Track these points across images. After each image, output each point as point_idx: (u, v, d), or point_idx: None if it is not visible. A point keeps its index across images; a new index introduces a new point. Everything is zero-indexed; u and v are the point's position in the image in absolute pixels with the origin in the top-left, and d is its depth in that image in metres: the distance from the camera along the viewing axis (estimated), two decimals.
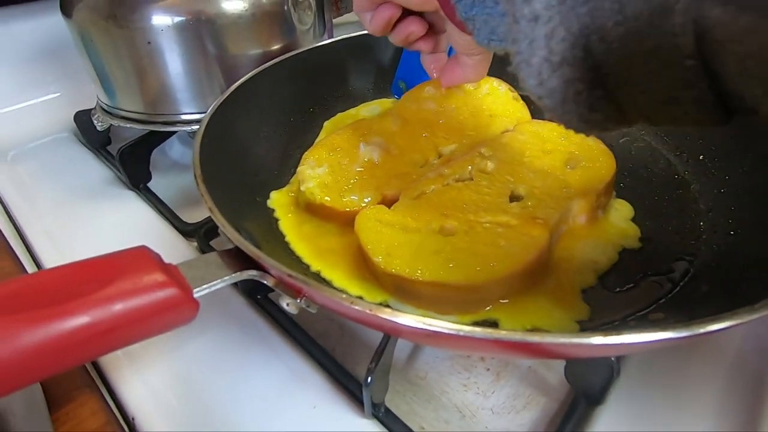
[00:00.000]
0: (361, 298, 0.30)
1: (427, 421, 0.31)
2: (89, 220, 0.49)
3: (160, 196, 0.51)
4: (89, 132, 0.59)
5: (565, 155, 0.37)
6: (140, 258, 0.20)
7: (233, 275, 0.24)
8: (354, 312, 0.21)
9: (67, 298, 0.17)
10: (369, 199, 0.35)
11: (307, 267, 0.32)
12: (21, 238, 0.48)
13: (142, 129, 0.51)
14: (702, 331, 0.19)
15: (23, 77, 0.70)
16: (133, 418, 0.29)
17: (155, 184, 0.53)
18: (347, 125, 0.42)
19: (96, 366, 0.33)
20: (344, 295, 0.21)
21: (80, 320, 0.17)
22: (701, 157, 0.39)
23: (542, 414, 0.30)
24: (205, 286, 0.22)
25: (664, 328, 0.19)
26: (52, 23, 0.69)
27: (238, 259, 0.25)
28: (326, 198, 0.35)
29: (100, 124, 0.55)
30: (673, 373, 0.31)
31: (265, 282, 0.25)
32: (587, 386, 0.29)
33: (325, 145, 0.40)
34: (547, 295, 0.30)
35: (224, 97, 0.40)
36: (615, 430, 0.29)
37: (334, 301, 0.21)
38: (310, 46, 0.51)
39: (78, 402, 0.28)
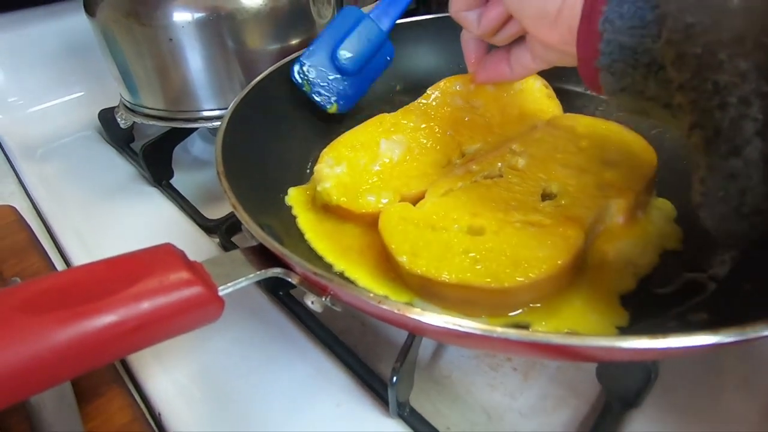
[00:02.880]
0: (386, 297, 0.30)
1: (452, 422, 0.30)
2: (114, 217, 0.49)
3: (183, 193, 0.52)
4: (113, 130, 0.60)
5: (602, 151, 0.36)
6: (166, 256, 0.20)
7: (258, 273, 0.24)
8: (381, 311, 0.20)
9: (94, 297, 0.17)
10: (387, 200, 0.35)
11: (330, 266, 0.32)
12: (50, 234, 0.49)
13: (164, 126, 0.52)
14: (755, 335, 0.17)
15: (49, 77, 0.72)
16: (159, 414, 0.29)
17: (177, 181, 0.54)
18: (369, 120, 0.41)
19: (123, 362, 0.34)
20: (371, 294, 0.20)
21: (108, 319, 0.17)
22: None
23: (573, 416, 0.29)
24: (230, 284, 0.22)
25: (712, 332, 0.17)
26: (76, 23, 0.70)
27: (263, 256, 0.25)
28: (342, 199, 0.34)
29: (123, 121, 0.55)
30: (715, 375, 0.30)
31: (289, 280, 0.25)
32: (621, 389, 0.28)
33: (345, 142, 0.39)
34: (583, 300, 0.29)
35: (245, 93, 0.40)
36: None
37: (360, 300, 0.20)
38: None
39: (106, 397, 0.28)
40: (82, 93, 0.73)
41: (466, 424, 0.30)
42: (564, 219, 0.31)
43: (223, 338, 0.35)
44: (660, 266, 0.31)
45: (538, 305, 0.29)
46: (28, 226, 0.47)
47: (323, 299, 0.23)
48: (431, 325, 0.19)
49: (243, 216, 0.26)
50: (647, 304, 0.29)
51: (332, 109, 0.45)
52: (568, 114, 0.40)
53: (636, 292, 0.30)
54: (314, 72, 0.44)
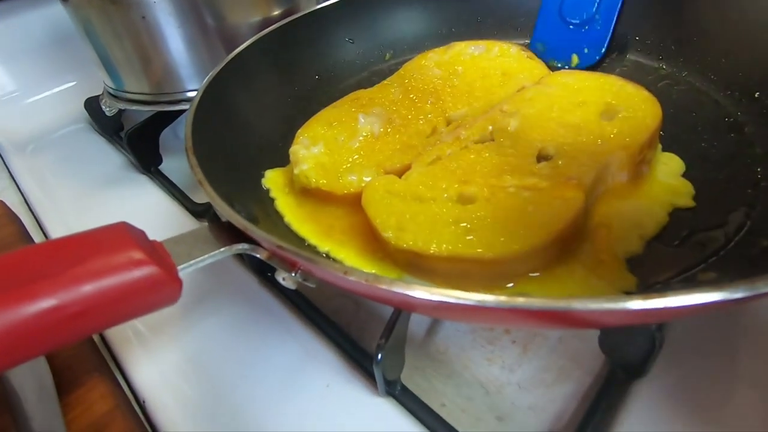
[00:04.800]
0: (354, 269, 0.28)
1: (448, 398, 0.29)
2: (104, 208, 0.49)
3: (173, 178, 0.51)
4: (101, 119, 0.59)
5: (600, 106, 0.33)
6: (116, 235, 0.19)
7: (222, 250, 0.22)
8: (350, 284, 0.18)
9: (31, 280, 0.16)
10: (369, 178, 0.32)
11: (315, 248, 0.30)
12: (42, 230, 0.48)
13: (148, 110, 0.50)
14: (762, 291, 0.15)
15: (40, 69, 0.71)
16: (144, 401, 0.29)
17: (168, 167, 0.53)
18: (344, 98, 0.39)
19: (108, 348, 0.33)
20: (337, 265, 0.19)
21: (46, 303, 0.15)
22: (756, 94, 0.34)
23: (575, 388, 0.28)
24: (191, 262, 0.21)
25: (715, 289, 0.15)
26: (60, 11, 0.68)
27: (230, 232, 0.23)
28: (322, 181, 0.32)
29: (108, 109, 0.54)
30: (725, 340, 0.28)
31: (258, 256, 0.23)
32: (625, 357, 0.26)
33: (320, 120, 0.37)
34: (585, 266, 0.26)
35: (221, 67, 0.38)
36: (658, 405, 0.26)
37: (327, 273, 0.19)
38: (312, 9, 0.48)
39: (87, 386, 0.27)
40: (73, 83, 0.72)
41: (462, 399, 0.28)
42: (562, 180, 0.28)
43: (209, 322, 0.34)
44: (669, 226, 0.29)
45: (537, 275, 0.27)
46: (18, 220, 0.46)
47: (293, 275, 0.22)
48: (403, 294, 0.17)
49: (208, 191, 0.24)
50: (656, 266, 0.27)
51: (575, 61, 0.44)
52: (561, 71, 0.38)
53: (644, 255, 0.27)
54: (551, 41, 0.45)
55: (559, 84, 0.36)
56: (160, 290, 0.18)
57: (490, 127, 0.34)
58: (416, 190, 0.30)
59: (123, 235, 0.19)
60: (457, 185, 0.30)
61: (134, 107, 0.51)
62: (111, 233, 0.19)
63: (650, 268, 0.26)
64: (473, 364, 0.30)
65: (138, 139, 0.50)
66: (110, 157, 0.57)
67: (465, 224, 0.27)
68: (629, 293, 0.26)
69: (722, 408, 0.25)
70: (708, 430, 0.24)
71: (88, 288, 0.16)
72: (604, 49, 0.43)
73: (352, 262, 0.30)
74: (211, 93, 0.36)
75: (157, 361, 0.31)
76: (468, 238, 0.26)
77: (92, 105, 0.59)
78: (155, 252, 0.20)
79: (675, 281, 0.25)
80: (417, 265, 0.27)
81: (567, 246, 0.27)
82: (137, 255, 0.18)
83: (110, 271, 0.17)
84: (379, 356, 0.24)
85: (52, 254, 0.17)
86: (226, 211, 0.22)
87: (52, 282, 0.16)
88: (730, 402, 0.25)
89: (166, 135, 0.53)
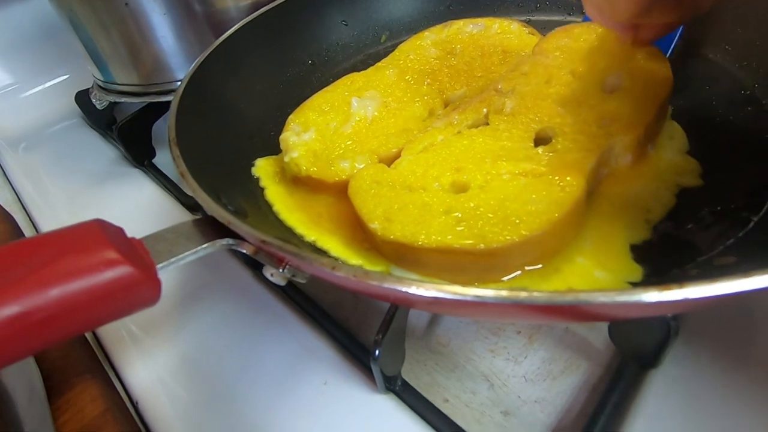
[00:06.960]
0: (343, 264, 0.26)
1: (451, 393, 0.27)
2: (99, 204, 0.48)
3: (167, 172, 0.49)
4: (92, 112, 0.58)
5: (602, 73, 0.31)
6: (89, 233, 0.17)
7: (205, 246, 0.21)
8: (338, 280, 0.17)
9: None
10: (363, 165, 0.31)
11: (301, 237, 0.29)
12: (35, 228, 0.48)
13: (138, 102, 0.49)
14: None
15: (30, 63, 0.69)
16: (137, 402, 0.28)
17: (161, 160, 0.51)
18: (338, 81, 0.37)
19: (102, 347, 0.32)
20: (325, 260, 0.17)
21: (8, 310, 0.14)
22: None
23: (584, 380, 0.27)
24: (172, 260, 0.20)
25: (741, 277, 0.14)
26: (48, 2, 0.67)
27: (215, 227, 0.22)
28: (313, 169, 0.31)
29: (98, 102, 0.53)
30: (743, 327, 0.26)
31: (243, 251, 0.22)
32: (637, 347, 0.25)
33: (312, 106, 0.35)
34: (587, 256, 0.25)
35: (208, 53, 0.37)
36: (672, 398, 0.24)
37: (315, 268, 0.18)
38: None
39: (78, 389, 0.26)
40: (66, 76, 0.70)
41: (466, 394, 0.27)
42: (561, 165, 0.26)
43: (204, 319, 0.33)
44: (679, 208, 0.27)
45: (536, 267, 0.25)
46: (11, 218, 0.45)
47: (281, 270, 0.21)
48: (395, 290, 0.16)
49: (190, 183, 0.23)
50: (667, 253, 0.25)
51: None
52: (557, 30, 0.35)
53: (651, 242, 0.26)
54: None
55: (556, 49, 0.34)
56: (137, 291, 0.17)
57: (485, 110, 0.32)
58: (406, 179, 0.28)
59: (96, 234, 0.17)
60: (449, 173, 0.28)
61: (124, 99, 0.49)
62: (83, 232, 0.17)
63: (660, 255, 0.25)
64: (477, 357, 0.29)
65: (129, 132, 0.49)
66: (103, 152, 0.55)
67: (456, 214, 0.25)
68: (635, 284, 0.24)
69: (740, 400, 0.24)
70: (725, 424, 0.23)
71: (55, 292, 0.15)
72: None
73: (338, 252, 0.28)
74: (197, 81, 0.34)
75: (150, 360, 0.30)
76: (458, 228, 0.24)
77: (83, 99, 0.58)
78: (132, 250, 0.18)
79: (689, 268, 0.23)
80: (405, 257, 0.26)
81: (567, 235, 0.25)
82: (110, 254, 0.17)
83: (80, 272, 0.16)
84: (377, 352, 0.23)
85: (16, 256, 0.16)
86: (208, 204, 0.21)
87: (16, 287, 0.15)
88: (749, 393, 0.24)
89: (158, 127, 0.52)
